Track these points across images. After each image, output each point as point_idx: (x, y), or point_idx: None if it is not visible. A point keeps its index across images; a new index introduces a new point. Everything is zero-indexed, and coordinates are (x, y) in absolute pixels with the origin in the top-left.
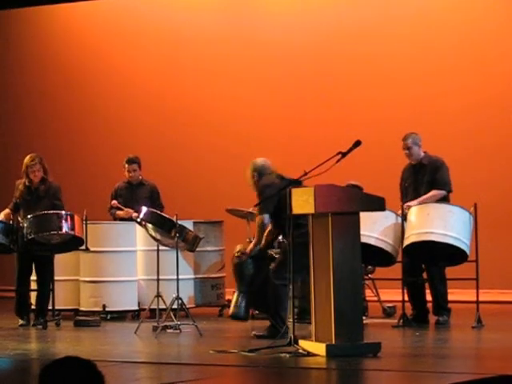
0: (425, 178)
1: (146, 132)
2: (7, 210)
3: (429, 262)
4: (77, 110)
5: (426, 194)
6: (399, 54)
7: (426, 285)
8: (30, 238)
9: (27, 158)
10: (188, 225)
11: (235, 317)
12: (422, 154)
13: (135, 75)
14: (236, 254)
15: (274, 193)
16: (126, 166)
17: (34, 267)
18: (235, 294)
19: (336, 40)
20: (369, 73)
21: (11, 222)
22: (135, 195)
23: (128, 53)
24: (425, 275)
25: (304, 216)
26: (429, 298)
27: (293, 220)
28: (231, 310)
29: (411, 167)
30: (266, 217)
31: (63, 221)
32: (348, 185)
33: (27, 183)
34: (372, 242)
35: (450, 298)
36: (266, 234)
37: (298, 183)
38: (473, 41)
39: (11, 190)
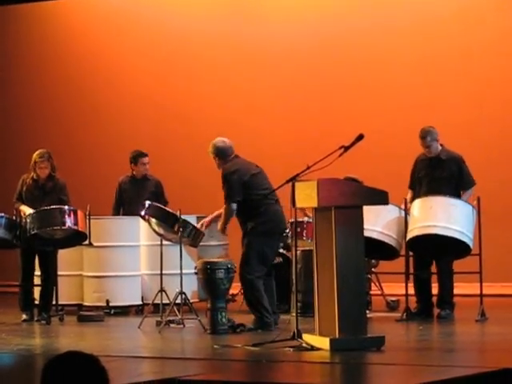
0: (444, 173)
1: (149, 127)
2: (26, 207)
3: (431, 256)
4: (79, 106)
5: (446, 189)
6: (402, 48)
7: (433, 279)
8: (33, 233)
9: (36, 154)
10: (191, 219)
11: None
12: (440, 147)
13: (138, 70)
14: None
15: (242, 180)
16: (140, 159)
17: (37, 262)
18: (213, 312)
19: (340, 35)
20: (372, 67)
21: (14, 216)
22: (140, 190)
23: (130, 48)
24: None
25: (264, 205)
26: (434, 291)
27: (253, 210)
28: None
29: (427, 160)
30: (234, 205)
31: (66, 216)
32: (346, 178)
33: (35, 177)
34: (375, 235)
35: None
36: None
37: (258, 169)
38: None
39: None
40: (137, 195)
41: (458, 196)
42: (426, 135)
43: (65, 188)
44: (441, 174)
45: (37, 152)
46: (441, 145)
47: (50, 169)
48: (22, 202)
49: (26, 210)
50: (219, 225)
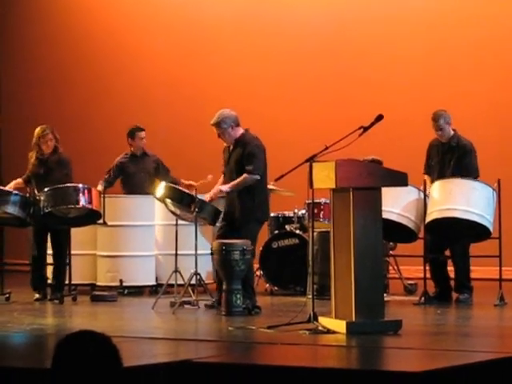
0: (452, 160)
1: (160, 106)
2: (19, 180)
3: (451, 239)
4: (91, 85)
5: (451, 175)
6: (420, 33)
7: (449, 262)
8: (47, 211)
9: (38, 130)
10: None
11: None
12: (452, 132)
13: (149, 50)
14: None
15: (263, 156)
16: (137, 133)
17: (50, 241)
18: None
19: (356, 22)
20: (389, 49)
21: (27, 194)
22: (142, 166)
23: (144, 29)
24: (447, 252)
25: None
26: (452, 275)
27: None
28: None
29: (440, 145)
30: (258, 177)
31: (81, 194)
32: (367, 159)
33: (39, 155)
34: (394, 217)
35: (472, 275)
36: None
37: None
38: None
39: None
40: (139, 171)
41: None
42: (438, 118)
43: (69, 164)
44: (450, 160)
45: (38, 128)
46: (454, 130)
47: (54, 141)
48: (29, 181)
49: (12, 184)
50: (226, 186)
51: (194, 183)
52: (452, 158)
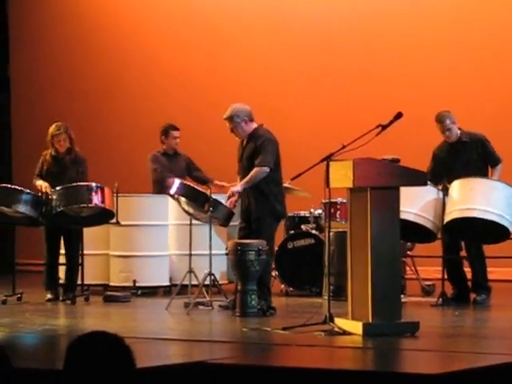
0: (472, 154)
1: (176, 104)
2: (46, 184)
3: (469, 239)
4: (107, 82)
5: (474, 171)
6: (436, 30)
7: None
8: (59, 210)
9: (52, 128)
10: (221, 199)
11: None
12: (458, 131)
13: (164, 47)
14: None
15: (275, 148)
16: (171, 132)
17: (62, 241)
18: (243, 295)
19: (373, 18)
20: (406, 47)
21: (40, 193)
22: (174, 165)
23: (157, 25)
24: (463, 253)
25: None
26: (469, 276)
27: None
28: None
29: (449, 146)
30: (268, 170)
31: (93, 193)
32: (387, 158)
33: (53, 153)
34: (411, 217)
35: (490, 276)
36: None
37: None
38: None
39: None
40: (171, 170)
41: (485, 177)
42: (444, 119)
43: (84, 162)
44: (467, 157)
45: (52, 126)
46: (459, 128)
47: (68, 141)
48: (42, 179)
49: (42, 183)
50: (238, 186)
51: (226, 184)
52: (471, 153)
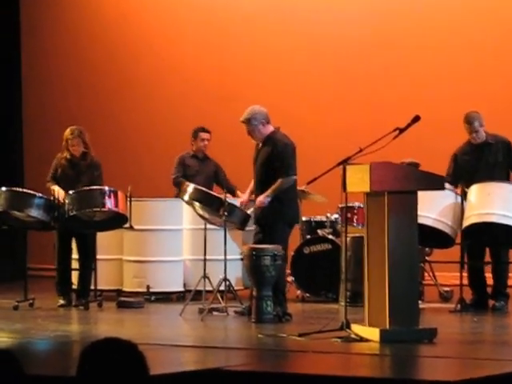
0: (495, 158)
1: (189, 107)
2: (62, 192)
3: (488, 245)
4: (119, 84)
5: (499, 174)
6: (454, 33)
7: (486, 269)
8: (71, 214)
9: (67, 131)
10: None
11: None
12: (484, 133)
13: (177, 48)
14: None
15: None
16: (200, 133)
17: (75, 245)
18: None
19: (392, 22)
20: (426, 49)
21: (52, 197)
22: (202, 168)
23: (170, 26)
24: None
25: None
26: (489, 282)
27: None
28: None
29: (474, 147)
30: (295, 177)
31: (106, 197)
32: (405, 162)
33: (69, 157)
34: (429, 222)
35: (508, 282)
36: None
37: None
38: None
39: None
40: (200, 172)
41: (508, 180)
42: (473, 120)
43: (99, 167)
44: (492, 158)
45: (67, 130)
46: (484, 130)
47: (82, 146)
48: (56, 182)
49: (58, 189)
50: (263, 196)
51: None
52: (496, 155)
